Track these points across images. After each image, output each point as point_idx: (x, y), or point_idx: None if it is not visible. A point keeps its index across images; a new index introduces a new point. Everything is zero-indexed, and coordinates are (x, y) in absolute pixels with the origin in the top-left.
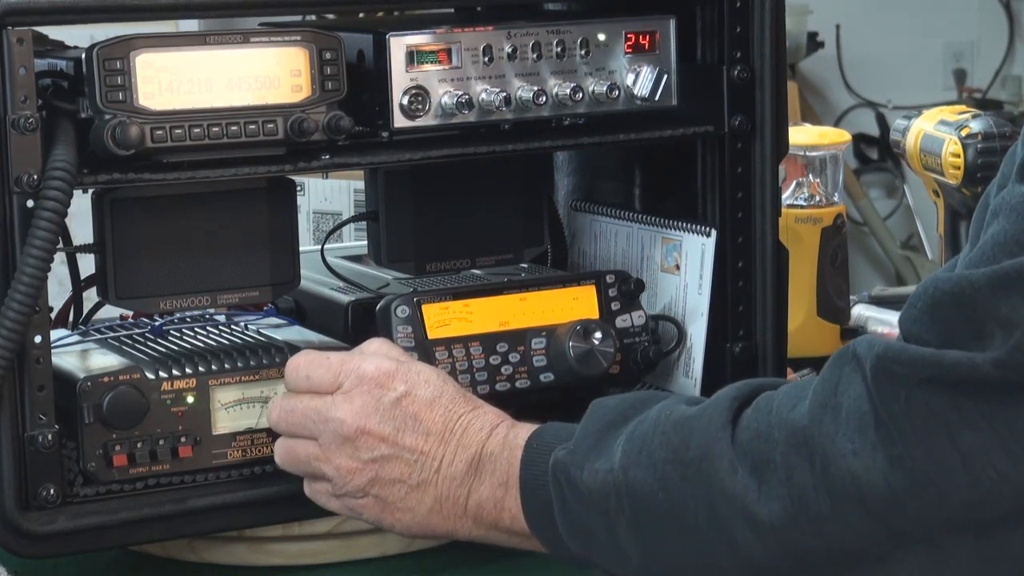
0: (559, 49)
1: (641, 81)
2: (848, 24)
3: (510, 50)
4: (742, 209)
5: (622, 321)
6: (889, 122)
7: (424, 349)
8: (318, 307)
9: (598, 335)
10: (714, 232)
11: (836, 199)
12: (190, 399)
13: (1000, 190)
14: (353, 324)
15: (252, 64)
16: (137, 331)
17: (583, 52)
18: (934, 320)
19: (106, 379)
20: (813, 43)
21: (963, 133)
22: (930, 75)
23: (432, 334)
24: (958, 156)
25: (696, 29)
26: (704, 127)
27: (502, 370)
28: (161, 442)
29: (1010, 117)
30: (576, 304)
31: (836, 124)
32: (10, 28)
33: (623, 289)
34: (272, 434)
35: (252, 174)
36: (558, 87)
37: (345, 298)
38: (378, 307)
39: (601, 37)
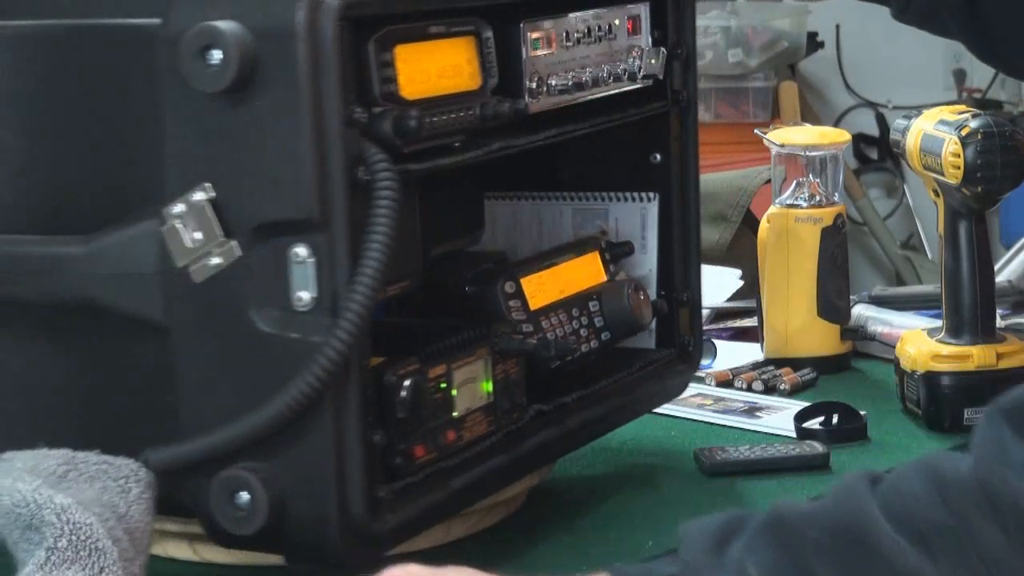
0: (601, 33)
1: (650, 60)
2: (848, 24)
3: (578, 35)
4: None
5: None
6: (889, 122)
7: (534, 321)
8: None
9: (642, 292)
10: (656, 196)
11: (836, 199)
12: (443, 384)
13: None
14: None
15: (442, 54)
16: None
17: (612, 35)
18: None
19: (402, 371)
20: (813, 43)
21: (963, 133)
22: (930, 75)
23: (533, 306)
24: (958, 156)
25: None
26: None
27: (581, 333)
28: (438, 429)
29: (1010, 117)
30: (590, 270)
31: (836, 124)
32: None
33: (615, 252)
34: (487, 409)
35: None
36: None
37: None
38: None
39: (617, 22)
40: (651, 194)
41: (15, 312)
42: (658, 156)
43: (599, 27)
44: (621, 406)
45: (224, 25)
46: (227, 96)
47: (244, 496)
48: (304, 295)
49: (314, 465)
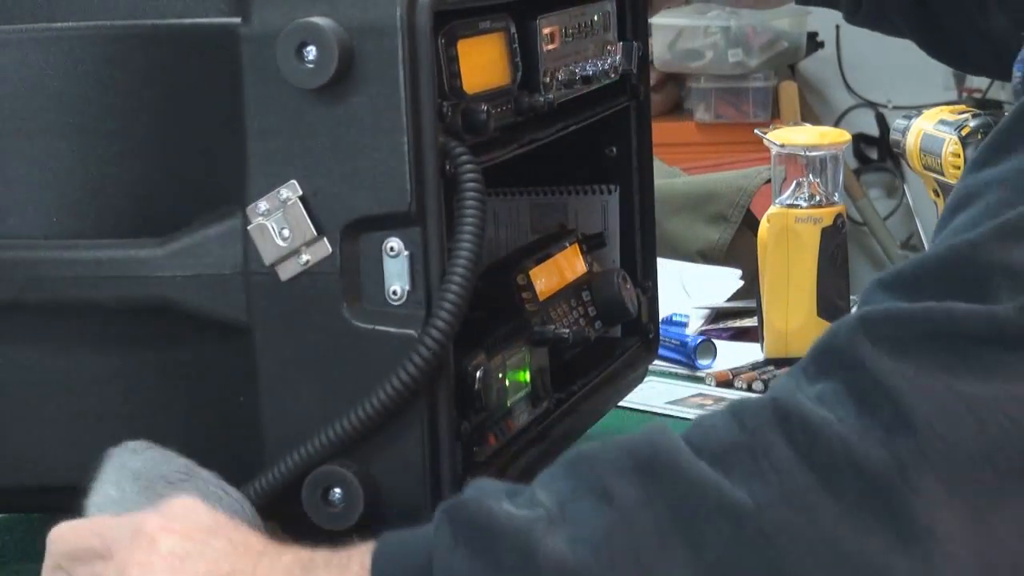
0: (588, 28)
1: (625, 54)
2: (848, 24)
3: (573, 31)
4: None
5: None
6: (889, 122)
7: (544, 312)
8: None
9: (629, 281)
10: (616, 189)
11: (836, 199)
12: (500, 374)
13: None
14: None
15: (486, 49)
16: None
17: (595, 31)
18: (920, 288)
19: (475, 362)
20: (813, 43)
21: (963, 132)
22: (930, 75)
23: (541, 297)
24: (958, 156)
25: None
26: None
27: (580, 322)
28: (502, 418)
29: None
30: (574, 262)
31: (836, 124)
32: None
33: (590, 244)
34: (527, 398)
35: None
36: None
37: None
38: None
39: (596, 18)
40: (611, 186)
41: (90, 317)
42: (614, 149)
43: (586, 23)
44: (609, 395)
45: (321, 22)
46: (322, 92)
47: (338, 492)
48: (398, 288)
49: (409, 456)
